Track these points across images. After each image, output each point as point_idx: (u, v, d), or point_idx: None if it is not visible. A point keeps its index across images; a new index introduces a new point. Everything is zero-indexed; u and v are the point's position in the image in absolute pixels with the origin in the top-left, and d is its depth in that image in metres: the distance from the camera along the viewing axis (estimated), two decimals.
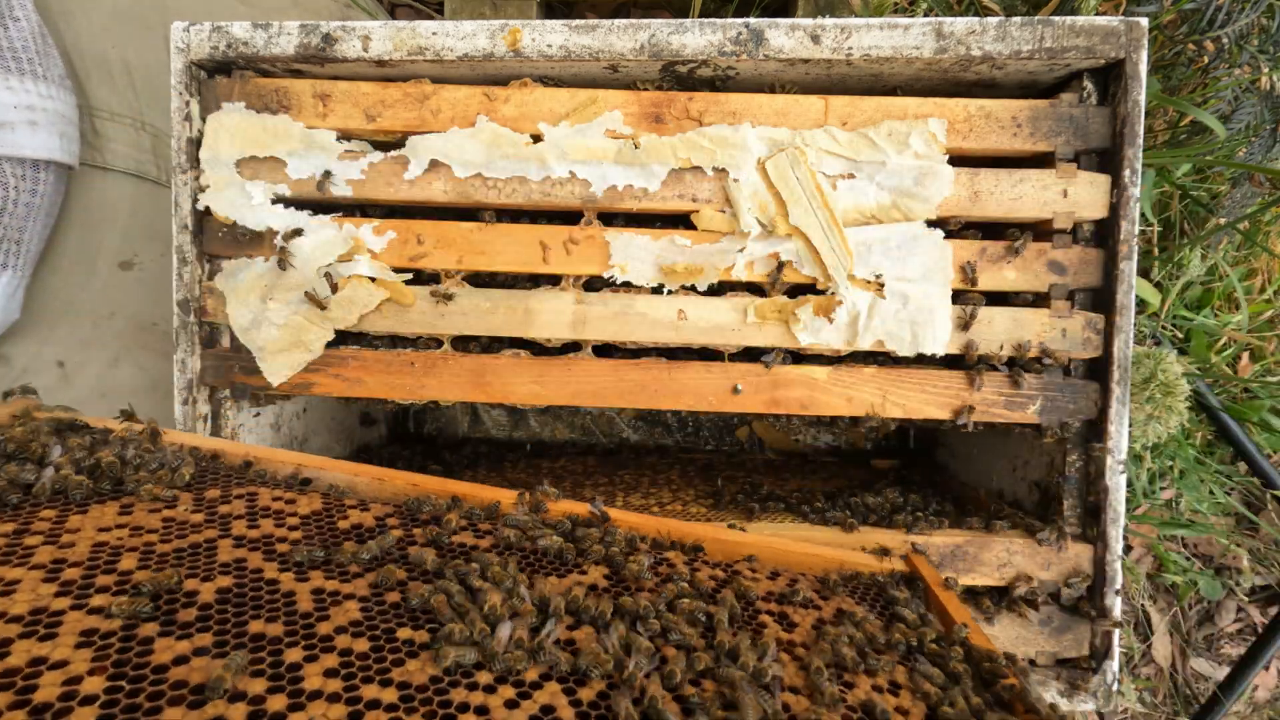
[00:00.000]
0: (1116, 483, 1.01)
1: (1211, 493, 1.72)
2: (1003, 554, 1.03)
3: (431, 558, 0.73)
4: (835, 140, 1.01)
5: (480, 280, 1.08)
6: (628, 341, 1.06)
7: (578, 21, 1.01)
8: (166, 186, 1.39)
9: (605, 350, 1.09)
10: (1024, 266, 1.03)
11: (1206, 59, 1.43)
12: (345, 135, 1.06)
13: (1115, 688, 1.03)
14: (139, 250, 1.39)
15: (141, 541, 0.68)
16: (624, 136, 1.02)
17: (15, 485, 0.73)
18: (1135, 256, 1.00)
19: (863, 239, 1.02)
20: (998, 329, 1.03)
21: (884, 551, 1.00)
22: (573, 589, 0.72)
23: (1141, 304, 1.64)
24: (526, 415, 1.82)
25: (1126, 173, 0.99)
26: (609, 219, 1.08)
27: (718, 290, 1.06)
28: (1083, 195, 1.01)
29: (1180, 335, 1.73)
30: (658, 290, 1.05)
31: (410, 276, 1.07)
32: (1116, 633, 1.02)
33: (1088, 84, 1.02)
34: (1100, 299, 1.03)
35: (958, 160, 1.02)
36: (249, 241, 1.06)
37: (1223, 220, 1.64)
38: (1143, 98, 0.98)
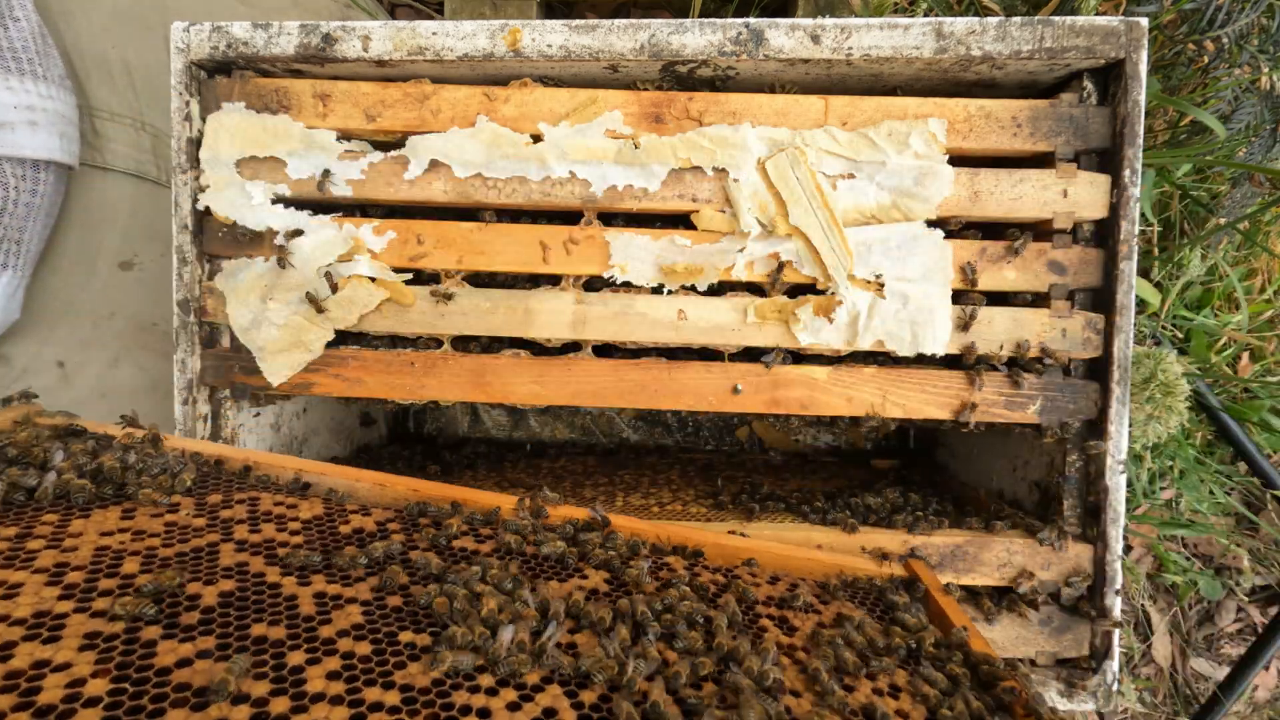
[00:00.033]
0: (1116, 483, 1.01)
1: (1211, 493, 1.72)
2: (1003, 554, 1.03)
3: (435, 562, 0.74)
4: (835, 140, 1.01)
5: (480, 280, 1.08)
6: (628, 341, 1.06)
7: (578, 21, 1.01)
8: (166, 186, 1.39)
9: (605, 350, 1.09)
10: (1024, 266, 1.03)
11: (1206, 59, 1.43)
12: (345, 135, 1.06)
13: (1115, 688, 1.03)
14: (139, 250, 1.39)
15: (144, 546, 0.69)
16: (624, 136, 1.02)
17: (18, 489, 0.73)
18: (1135, 256, 1.00)
19: (863, 239, 1.02)
20: (998, 329, 1.03)
21: (884, 556, 1.00)
22: (573, 593, 0.72)
23: (1141, 304, 1.64)
24: (526, 415, 1.82)
25: (1126, 173, 0.99)
26: (609, 219, 1.08)
27: (718, 290, 1.06)
28: (1083, 195, 1.01)
29: (1180, 335, 1.73)
30: (658, 290, 1.05)
31: (410, 276, 1.07)
32: (1116, 633, 1.02)
33: (1088, 84, 1.02)
34: (1100, 299, 1.03)
35: (958, 160, 1.02)
36: (249, 241, 1.06)
37: (1223, 220, 1.64)
38: (1143, 98, 0.98)
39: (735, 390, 1.05)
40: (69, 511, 0.73)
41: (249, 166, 1.05)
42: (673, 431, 1.81)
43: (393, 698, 0.55)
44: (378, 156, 1.05)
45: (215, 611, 0.62)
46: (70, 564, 0.64)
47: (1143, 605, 1.79)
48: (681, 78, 1.06)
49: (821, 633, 0.77)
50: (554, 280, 1.07)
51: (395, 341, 1.10)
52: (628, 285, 1.06)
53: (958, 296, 1.04)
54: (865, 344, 1.03)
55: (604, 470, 1.52)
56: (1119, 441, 1.01)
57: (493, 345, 1.10)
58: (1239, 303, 1.71)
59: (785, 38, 0.99)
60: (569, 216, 1.09)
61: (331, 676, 0.56)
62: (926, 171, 1.01)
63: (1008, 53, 0.98)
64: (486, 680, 0.59)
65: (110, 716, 0.49)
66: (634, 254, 1.04)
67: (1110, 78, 1.01)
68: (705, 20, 0.99)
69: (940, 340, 1.02)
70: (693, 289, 1.05)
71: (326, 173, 1.04)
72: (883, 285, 1.02)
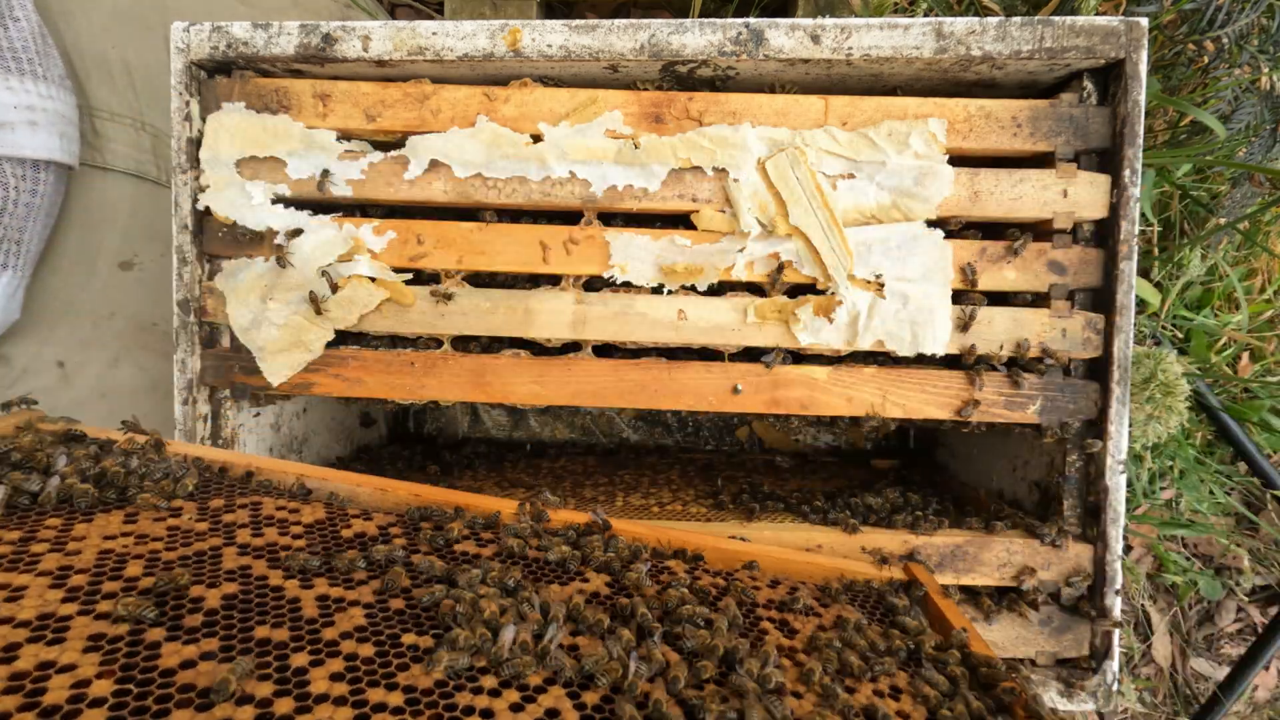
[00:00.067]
0: (1116, 483, 1.01)
1: (1211, 493, 1.72)
2: (1003, 554, 1.03)
3: (438, 565, 0.74)
4: (835, 140, 1.01)
5: (480, 280, 1.08)
6: (628, 341, 1.06)
7: (578, 21, 1.01)
8: (166, 186, 1.39)
9: (605, 350, 1.09)
10: (1024, 266, 1.03)
11: (1206, 59, 1.43)
12: (345, 135, 1.06)
13: (1115, 688, 1.03)
14: (139, 250, 1.39)
15: (147, 549, 0.69)
16: (624, 136, 1.02)
17: (21, 493, 0.73)
18: (1135, 256, 1.00)
19: (863, 239, 1.02)
20: (998, 329, 1.03)
21: (883, 559, 1.00)
22: (574, 596, 0.72)
23: (1141, 304, 1.64)
24: (526, 415, 1.82)
25: (1126, 173, 0.99)
26: (609, 219, 1.08)
27: (718, 290, 1.06)
28: (1083, 195, 1.01)
29: (1180, 335, 1.73)
30: (658, 290, 1.05)
31: (410, 276, 1.07)
32: (1116, 633, 1.02)
33: (1088, 84, 1.02)
34: (1100, 299, 1.03)
35: (958, 160, 1.02)
36: (249, 241, 1.06)
37: (1223, 220, 1.64)
38: (1143, 98, 0.98)
39: (735, 390, 1.05)
40: (72, 516, 0.73)
41: (249, 166, 1.05)
42: (673, 431, 1.81)
43: (396, 699, 0.56)
44: (378, 156, 1.05)
45: (219, 614, 0.62)
46: (74, 567, 0.64)
47: (1143, 605, 1.79)
48: (681, 78, 1.06)
49: (821, 635, 0.77)
50: (554, 280, 1.07)
51: (395, 341, 1.10)
52: (628, 285, 1.06)
53: (958, 296, 1.04)
54: (865, 344, 1.03)
55: (604, 470, 1.52)
56: (1119, 441, 1.01)
57: (493, 345, 1.10)
58: (1239, 303, 1.71)
59: (785, 38, 0.99)
60: (569, 216, 1.09)
61: (335, 678, 0.57)
62: (926, 171, 1.01)
63: (1008, 53, 0.98)
64: (490, 681, 0.59)
65: (116, 716, 0.50)
66: (634, 254, 1.04)
67: (1110, 78, 1.01)
68: (705, 20, 0.99)
69: (940, 340, 1.02)
70: (693, 289, 1.05)
71: (326, 173, 1.04)
72: (883, 285, 1.02)
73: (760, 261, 1.04)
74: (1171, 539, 1.80)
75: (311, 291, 1.04)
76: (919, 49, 0.98)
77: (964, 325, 1.02)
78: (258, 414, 1.21)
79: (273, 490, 0.87)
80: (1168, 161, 1.55)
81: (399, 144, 1.06)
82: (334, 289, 1.04)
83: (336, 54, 1.02)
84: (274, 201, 1.06)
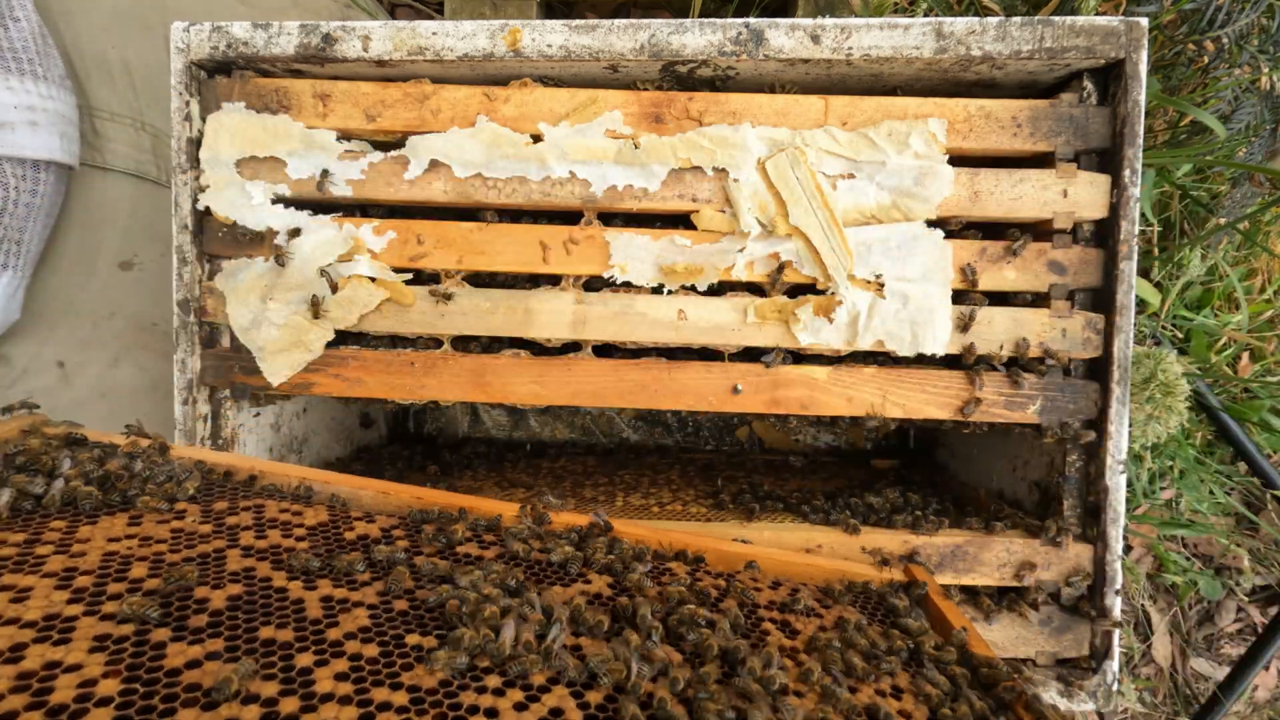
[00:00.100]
0: (1116, 483, 1.01)
1: (1211, 493, 1.72)
2: (1003, 554, 1.03)
3: (442, 565, 0.74)
4: (835, 140, 1.01)
5: (480, 280, 1.09)
6: (628, 341, 1.06)
7: (578, 21, 1.01)
8: (166, 186, 1.39)
9: (605, 350, 1.09)
10: (1024, 266, 1.03)
11: (1206, 59, 1.43)
12: (345, 135, 1.06)
13: (1115, 688, 1.03)
14: (139, 250, 1.39)
15: (151, 551, 0.70)
16: (624, 136, 1.02)
17: (25, 496, 0.74)
18: (1135, 256, 1.00)
19: (863, 239, 1.02)
20: (998, 329, 1.03)
21: (884, 561, 1.00)
22: (575, 598, 0.73)
23: (1141, 304, 1.64)
24: (526, 415, 1.82)
25: (1126, 173, 0.99)
26: (609, 219, 1.08)
27: (718, 290, 1.06)
28: (1083, 195, 1.01)
29: (1180, 335, 1.73)
30: (658, 290, 1.05)
31: (410, 276, 1.07)
32: (1116, 633, 1.02)
33: (1088, 84, 1.02)
34: (1100, 299, 1.03)
35: (958, 160, 1.02)
36: (249, 241, 1.06)
37: (1223, 220, 1.64)
38: (1143, 98, 0.98)
39: (735, 390, 1.05)
40: (76, 518, 0.74)
41: (249, 166, 1.05)
42: (673, 431, 1.81)
43: (401, 698, 0.56)
44: (378, 156, 1.05)
45: (223, 615, 0.62)
46: (79, 569, 0.65)
47: (1143, 605, 1.79)
48: (681, 78, 1.06)
49: (822, 636, 0.77)
50: (554, 280, 1.07)
51: (395, 341, 1.10)
52: (628, 285, 1.06)
53: (958, 297, 1.04)
54: (865, 344, 1.03)
55: (604, 470, 1.52)
56: (1119, 441, 1.01)
57: (493, 345, 1.10)
58: (1239, 303, 1.71)
59: (785, 38, 0.99)
60: (569, 216, 1.09)
61: (340, 677, 0.57)
62: (926, 171, 1.01)
63: (1008, 53, 0.98)
64: (494, 681, 0.59)
65: (122, 716, 0.50)
66: (634, 254, 1.04)
67: (1110, 78, 1.01)
68: (705, 20, 0.99)
69: (940, 340, 1.02)
70: (693, 289, 1.05)
71: (326, 173, 1.04)
72: (883, 285, 1.03)
73: (760, 261, 1.04)
74: (1171, 539, 1.80)
75: (314, 296, 1.04)
76: (919, 49, 0.98)
77: (964, 325, 1.02)
78: (258, 414, 1.21)
79: (276, 493, 0.88)
80: (1168, 161, 1.55)
81: (399, 144, 1.06)
82: (334, 289, 1.04)
83: (336, 54, 1.02)
84: (274, 201, 1.06)
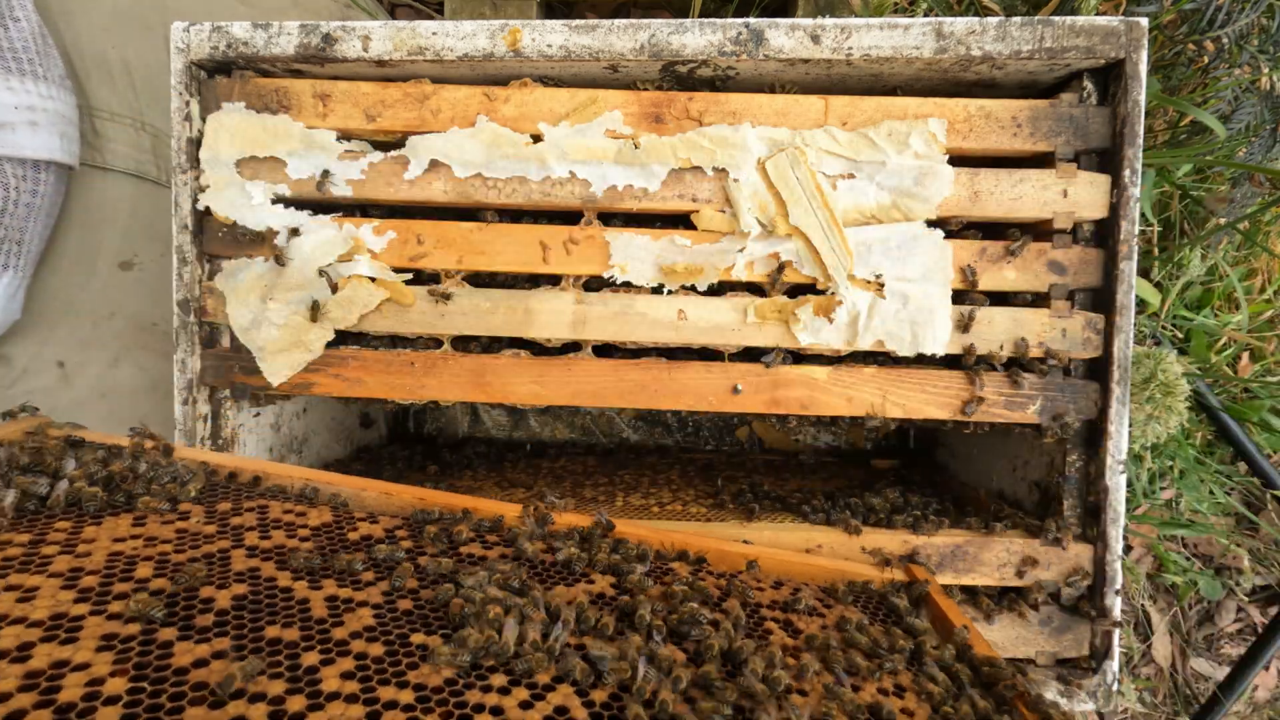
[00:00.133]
0: (1116, 483, 1.01)
1: (1211, 493, 1.72)
2: (1003, 554, 1.03)
3: (446, 563, 0.75)
4: (835, 140, 1.01)
5: (480, 280, 1.09)
6: (628, 341, 1.06)
7: (578, 21, 1.01)
8: (166, 186, 1.39)
9: (605, 350, 1.09)
10: (1024, 266, 1.03)
11: (1206, 59, 1.43)
12: (345, 135, 1.06)
13: (1115, 688, 1.03)
14: (139, 250, 1.39)
15: (156, 551, 0.70)
16: (624, 136, 1.03)
17: (30, 497, 0.74)
18: (1135, 256, 1.00)
19: (863, 239, 1.02)
20: (998, 329, 1.03)
21: (886, 561, 1.01)
22: (579, 597, 0.73)
23: (1141, 304, 1.64)
24: (526, 415, 1.82)
25: (1126, 173, 0.99)
26: (609, 219, 1.08)
27: (718, 290, 1.06)
28: (1083, 195, 1.01)
29: (1180, 335, 1.73)
30: (658, 290, 1.05)
31: (410, 276, 1.07)
32: (1116, 633, 1.02)
33: (1088, 84, 1.02)
34: (1100, 299, 1.03)
35: (958, 160, 1.02)
36: (249, 241, 1.06)
37: (1223, 220, 1.64)
38: (1143, 98, 0.98)
39: (735, 390, 1.05)
40: (81, 519, 0.74)
41: (249, 166, 1.05)
42: (673, 431, 1.81)
43: (407, 696, 0.56)
44: (378, 156, 1.05)
45: (229, 614, 0.63)
46: (84, 569, 0.65)
47: (1143, 605, 1.79)
48: (681, 78, 1.06)
49: (823, 635, 0.77)
50: (554, 280, 1.07)
51: (395, 341, 1.10)
52: (628, 285, 1.06)
53: (958, 296, 1.04)
54: (865, 344, 1.03)
55: (604, 470, 1.52)
56: (1119, 441, 1.01)
57: (493, 345, 1.10)
58: (1239, 303, 1.71)
59: (785, 38, 0.99)
60: (569, 216, 1.09)
61: (346, 676, 0.57)
62: (926, 171, 1.01)
63: (1008, 53, 0.98)
64: (499, 679, 0.60)
65: (130, 714, 0.50)
66: (634, 254, 1.04)
67: (1110, 78, 1.01)
68: (705, 20, 0.99)
69: (940, 340, 1.02)
70: (693, 289, 1.05)
71: (326, 173, 1.04)
72: (883, 285, 1.03)
73: (760, 261, 1.04)
74: (1171, 539, 1.80)
75: (314, 301, 1.04)
76: (919, 49, 0.98)
77: (964, 325, 1.02)
78: (258, 414, 1.21)
79: (280, 494, 0.88)
80: (1168, 161, 1.55)
81: (399, 144, 1.06)
82: (334, 289, 1.04)
83: (336, 54, 1.02)
84: (274, 201, 1.06)
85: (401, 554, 0.76)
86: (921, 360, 1.06)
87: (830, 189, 1.02)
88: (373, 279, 1.05)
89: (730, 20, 0.99)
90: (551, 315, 1.06)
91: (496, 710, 0.57)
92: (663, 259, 1.04)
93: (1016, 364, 1.05)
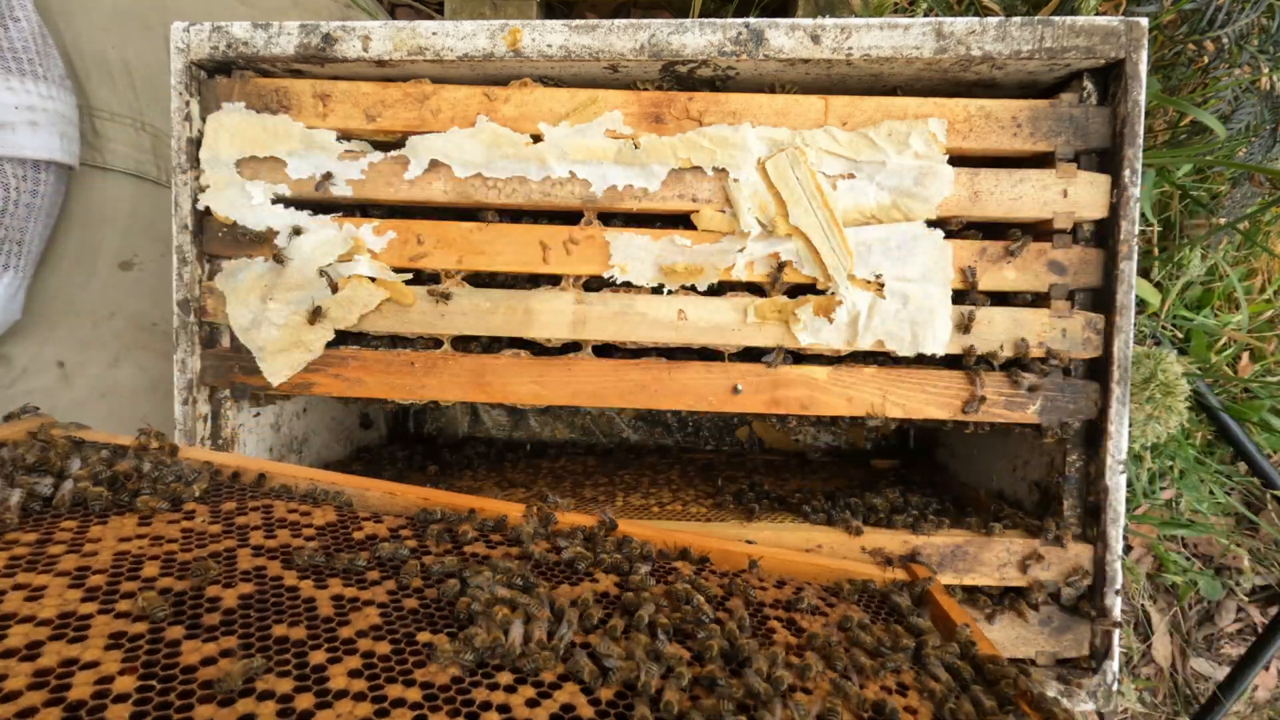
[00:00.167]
0: (1116, 483, 1.01)
1: (1211, 493, 1.72)
2: (1003, 554, 1.03)
3: (452, 561, 0.75)
4: (835, 140, 1.01)
5: (480, 280, 1.09)
6: (628, 341, 1.06)
7: (578, 21, 1.01)
8: (166, 186, 1.39)
9: (605, 350, 1.09)
10: (1024, 266, 1.03)
11: (1206, 59, 1.43)
12: (345, 135, 1.06)
13: (1115, 688, 1.03)
14: (139, 250, 1.39)
15: (162, 551, 0.70)
16: (624, 136, 1.02)
17: (35, 497, 0.74)
18: (1135, 256, 1.00)
19: (863, 239, 1.02)
20: (998, 329, 1.03)
21: (888, 561, 1.01)
22: (584, 595, 0.73)
23: (1141, 304, 1.64)
24: (526, 415, 1.82)
25: (1126, 173, 0.99)
26: (609, 219, 1.08)
27: (718, 290, 1.06)
28: (1083, 195, 1.01)
29: (1180, 335, 1.73)
30: (658, 290, 1.05)
31: (410, 276, 1.07)
32: (1116, 633, 1.02)
33: (1088, 84, 1.02)
34: (1100, 299, 1.03)
35: (958, 160, 1.02)
36: (249, 241, 1.06)
37: (1223, 220, 1.64)
38: (1143, 98, 0.98)
39: (735, 390, 1.05)
40: (87, 518, 0.74)
41: (249, 166, 1.05)
42: (673, 431, 1.81)
43: (414, 694, 0.57)
44: (378, 156, 1.05)
45: (236, 613, 0.63)
46: (91, 568, 0.65)
47: (1143, 605, 1.79)
48: (681, 78, 1.06)
49: (829, 634, 0.78)
50: (554, 280, 1.07)
51: (395, 341, 1.10)
52: (628, 285, 1.06)
53: (958, 297, 1.04)
54: (865, 344, 1.03)
55: (604, 470, 1.52)
56: (1119, 441, 1.01)
57: (493, 345, 1.10)
58: (1239, 303, 1.71)
59: (785, 38, 0.99)
60: (569, 216, 1.09)
61: (353, 674, 0.58)
62: (926, 171, 1.01)
63: (1008, 53, 0.98)
64: (506, 678, 0.60)
65: (140, 712, 0.50)
66: (634, 254, 1.04)
67: (1110, 78, 1.01)
68: (705, 20, 0.99)
69: (940, 340, 1.02)
70: (693, 289, 1.05)
71: (328, 174, 1.04)
72: (883, 285, 1.03)
73: (760, 261, 1.04)
74: (1171, 539, 1.80)
75: (318, 306, 1.04)
76: (919, 49, 0.98)
77: (964, 325, 1.02)
78: (258, 414, 1.21)
79: (284, 494, 0.88)
80: (1168, 161, 1.55)
81: (399, 144, 1.06)
82: (334, 289, 1.04)
83: (336, 54, 1.02)
84: (274, 201, 1.06)
85: (405, 552, 0.76)
86: (921, 360, 1.06)
87: (830, 189, 1.01)
88: (373, 279, 1.05)
89: (730, 20, 0.99)
90: (551, 315, 1.06)
91: (503, 708, 0.57)
92: (663, 259, 1.04)
93: (1016, 364, 1.05)
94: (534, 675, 0.61)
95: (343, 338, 1.08)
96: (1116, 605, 1.02)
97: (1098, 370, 1.03)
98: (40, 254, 1.32)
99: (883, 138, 1.01)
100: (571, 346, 1.08)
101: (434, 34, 1.01)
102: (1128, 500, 1.27)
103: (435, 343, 1.09)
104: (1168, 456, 1.68)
